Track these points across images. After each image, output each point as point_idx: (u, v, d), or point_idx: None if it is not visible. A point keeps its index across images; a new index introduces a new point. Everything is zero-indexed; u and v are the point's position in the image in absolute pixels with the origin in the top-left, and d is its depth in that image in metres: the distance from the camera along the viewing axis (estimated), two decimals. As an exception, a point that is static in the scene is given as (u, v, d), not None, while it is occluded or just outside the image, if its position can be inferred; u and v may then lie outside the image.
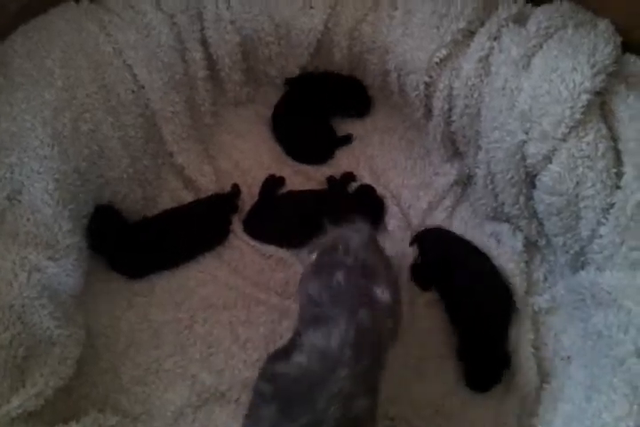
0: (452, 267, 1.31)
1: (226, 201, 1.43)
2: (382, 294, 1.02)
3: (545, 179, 1.17)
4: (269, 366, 0.93)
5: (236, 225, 1.44)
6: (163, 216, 1.39)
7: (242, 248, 1.42)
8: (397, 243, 1.42)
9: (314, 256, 1.11)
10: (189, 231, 1.36)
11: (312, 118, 1.55)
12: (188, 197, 1.46)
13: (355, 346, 0.89)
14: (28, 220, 1.16)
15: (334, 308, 0.95)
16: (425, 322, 1.31)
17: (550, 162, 1.15)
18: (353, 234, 1.07)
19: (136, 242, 1.32)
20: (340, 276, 0.98)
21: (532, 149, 1.17)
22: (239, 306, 1.34)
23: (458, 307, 1.28)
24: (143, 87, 1.37)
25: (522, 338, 1.26)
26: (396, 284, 1.09)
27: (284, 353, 0.96)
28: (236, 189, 1.46)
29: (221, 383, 1.25)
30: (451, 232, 1.39)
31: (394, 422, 1.18)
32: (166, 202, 1.45)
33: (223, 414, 1.22)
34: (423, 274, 1.36)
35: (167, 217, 1.38)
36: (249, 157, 1.55)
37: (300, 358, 0.90)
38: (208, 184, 1.47)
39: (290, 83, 1.57)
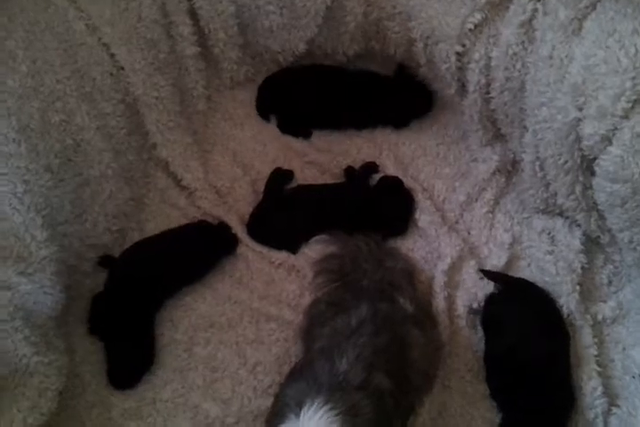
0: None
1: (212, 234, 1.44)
2: (405, 303, 1.22)
3: (605, 164, 1.17)
4: None
5: (239, 229, 1.46)
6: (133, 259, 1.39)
7: (246, 256, 1.44)
8: (431, 241, 1.43)
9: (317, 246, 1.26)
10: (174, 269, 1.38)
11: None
12: (179, 199, 1.48)
13: (373, 323, 1.13)
14: (-6, 229, 1.16)
15: (356, 300, 1.18)
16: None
17: (610, 143, 1.15)
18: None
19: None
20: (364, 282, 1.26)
21: (587, 128, 1.17)
22: (246, 323, 1.36)
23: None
24: (122, 69, 1.38)
25: (583, 354, 1.26)
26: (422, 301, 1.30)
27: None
28: (223, 226, 1.45)
29: (228, 415, 1.27)
30: (535, 296, 1.35)
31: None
32: (156, 204, 1.48)
33: (233, 450, 1.25)
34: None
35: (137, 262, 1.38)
36: (250, 149, 1.56)
37: (319, 343, 1.14)
38: (194, 182, 1.48)
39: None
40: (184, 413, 1.27)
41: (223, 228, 1.44)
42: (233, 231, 1.44)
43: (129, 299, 1.32)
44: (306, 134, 1.60)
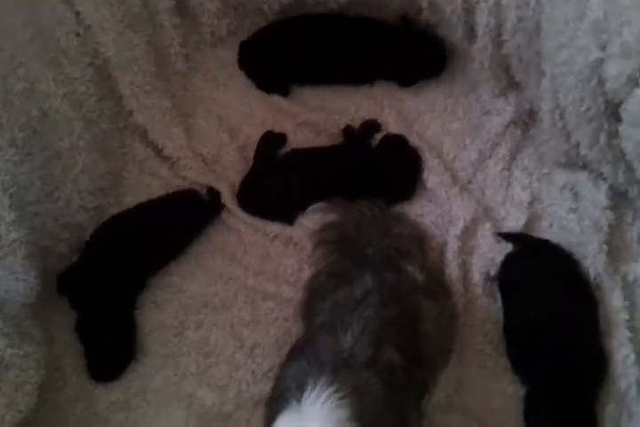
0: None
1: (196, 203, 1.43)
2: (414, 272, 1.20)
3: (632, 108, 1.14)
4: None
5: (229, 200, 1.44)
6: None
7: (238, 229, 1.42)
8: (441, 203, 1.42)
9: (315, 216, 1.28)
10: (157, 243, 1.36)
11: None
12: (161, 169, 1.46)
13: (379, 293, 1.12)
14: (-43, 212, 1.16)
15: (360, 270, 1.18)
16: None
17: (637, 85, 1.12)
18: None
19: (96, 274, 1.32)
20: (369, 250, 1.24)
21: (611, 69, 1.14)
22: (241, 303, 1.35)
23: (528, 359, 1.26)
24: (90, 28, 1.36)
25: (613, 319, 1.25)
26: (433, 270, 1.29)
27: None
28: (213, 193, 1.44)
29: (226, 402, 1.25)
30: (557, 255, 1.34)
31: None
32: (135, 176, 1.46)
33: (231, 441, 1.24)
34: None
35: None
36: (235, 111, 1.55)
37: (320, 318, 1.13)
38: (177, 150, 1.47)
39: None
40: (177, 402, 1.26)
41: (208, 193, 1.44)
42: (218, 197, 1.44)
43: (104, 279, 1.30)
44: (284, 91, 1.56)
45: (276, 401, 1.01)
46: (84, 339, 1.27)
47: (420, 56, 1.54)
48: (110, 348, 1.26)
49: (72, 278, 1.32)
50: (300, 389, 0.95)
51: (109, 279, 1.30)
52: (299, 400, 0.94)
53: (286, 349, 1.25)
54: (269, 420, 0.99)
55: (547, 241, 1.35)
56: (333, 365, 0.99)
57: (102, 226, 1.37)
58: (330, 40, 1.55)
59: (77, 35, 1.34)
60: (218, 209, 1.42)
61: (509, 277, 1.32)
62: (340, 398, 0.93)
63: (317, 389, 0.94)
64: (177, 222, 1.39)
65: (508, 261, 1.33)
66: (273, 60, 1.57)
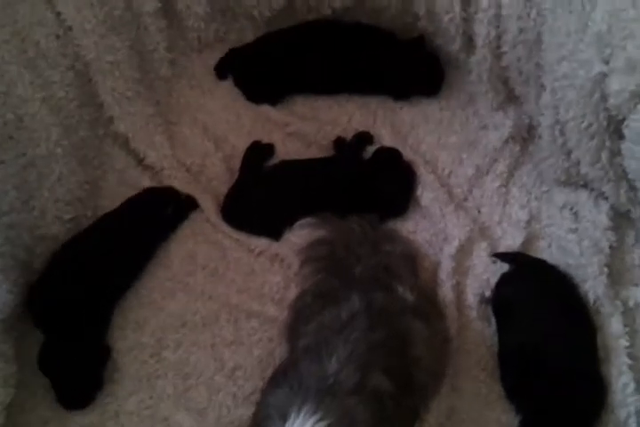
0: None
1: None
2: (404, 292, 1.18)
3: (635, 125, 1.15)
4: None
5: (213, 213, 1.43)
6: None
7: (222, 244, 1.41)
8: (436, 221, 1.42)
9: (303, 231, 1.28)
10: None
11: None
12: (142, 180, 1.46)
13: (367, 315, 1.10)
14: None
15: (347, 290, 1.16)
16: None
17: None
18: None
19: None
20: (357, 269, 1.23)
21: (614, 84, 1.14)
22: (223, 322, 1.33)
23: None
24: (71, 30, 1.35)
25: (613, 345, 1.24)
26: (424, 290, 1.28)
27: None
28: (189, 200, 1.44)
29: None
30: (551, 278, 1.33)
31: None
32: (114, 187, 1.45)
33: (209, 470, 1.23)
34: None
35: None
36: (222, 119, 1.54)
37: (304, 341, 1.11)
38: (160, 160, 1.46)
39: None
40: (153, 426, 1.24)
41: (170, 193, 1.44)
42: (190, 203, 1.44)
43: (69, 298, 1.28)
44: (273, 101, 1.56)
45: None
46: (46, 366, 1.24)
47: (417, 73, 1.55)
48: (76, 376, 1.23)
49: (36, 296, 1.29)
50: (283, 418, 0.94)
51: (75, 299, 1.28)
52: None
53: (270, 371, 1.23)
54: None
55: (543, 261, 1.35)
56: (317, 391, 0.98)
57: (63, 247, 1.35)
58: (324, 50, 1.55)
59: (57, 36, 1.33)
60: (185, 214, 1.43)
61: (503, 299, 1.31)
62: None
63: (301, 417, 0.93)
64: (140, 228, 1.38)
65: (503, 282, 1.32)
66: (264, 70, 1.56)
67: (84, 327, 1.27)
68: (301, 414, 0.93)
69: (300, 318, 1.21)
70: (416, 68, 1.54)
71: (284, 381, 1.04)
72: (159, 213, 1.40)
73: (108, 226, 1.38)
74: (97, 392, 1.24)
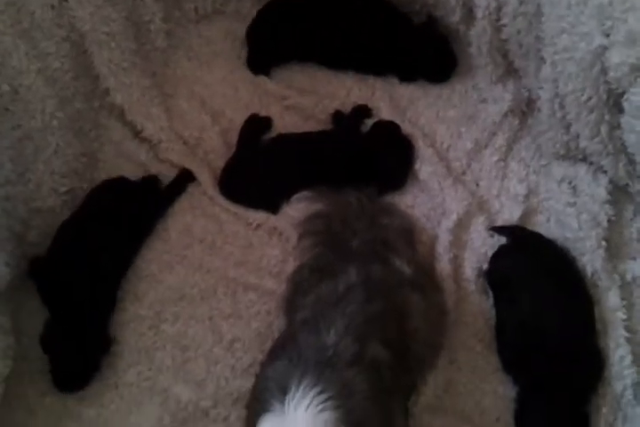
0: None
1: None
2: (401, 265, 1.19)
3: (635, 98, 1.15)
4: None
5: (210, 186, 1.43)
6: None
7: (219, 217, 1.41)
8: (434, 195, 1.42)
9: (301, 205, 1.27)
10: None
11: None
12: (139, 152, 1.45)
13: (364, 288, 1.11)
14: None
15: (344, 263, 1.16)
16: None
17: None
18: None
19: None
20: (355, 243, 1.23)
21: (615, 57, 1.14)
22: (220, 295, 1.34)
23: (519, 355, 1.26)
24: (66, 0, 1.34)
25: (610, 318, 1.25)
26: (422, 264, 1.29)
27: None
28: (184, 174, 1.44)
29: (203, 398, 1.24)
30: (550, 250, 1.34)
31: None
32: (110, 159, 1.44)
33: (209, 438, 1.23)
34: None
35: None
36: (219, 92, 1.53)
37: (302, 314, 1.12)
38: (157, 133, 1.45)
39: None
40: (151, 398, 1.25)
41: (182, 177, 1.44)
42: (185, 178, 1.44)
43: (75, 281, 1.29)
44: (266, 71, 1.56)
45: (257, 403, 1.00)
46: (48, 346, 1.25)
47: (428, 58, 1.53)
48: (74, 361, 1.24)
49: (43, 275, 1.30)
50: (283, 391, 0.94)
51: (80, 279, 1.29)
52: (281, 403, 0.93)
53: (268, 343, 1.25)
54: (250, 423, 0.98)
55: (540, 235, 1.35)
56: (317, 363, 0.98)
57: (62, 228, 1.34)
58: (339, 22, 1.53)
59: (52, 7, 1.32)
60: (182, 187, 1.43)
61: (499, 272, 1.31)
62: (325, 400, 0.93)
63: (301, 390, 0.93)
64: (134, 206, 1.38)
65: (498, 255, 1.33)
66: (278, 35, 1.55)
67: (89, 309, 1.27)
68: (301, 387, 0.93)
69: (297, 291, 1.22)
70: (428, 53, 1.53)
71: (283, 353, 1.04)
72: (152, 192, 1.41)
73: (101, 207, 1.38)
74: (91, 378, 1.24)
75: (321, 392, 0.93)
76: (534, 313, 1.23)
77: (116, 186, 1.40)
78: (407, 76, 1.55)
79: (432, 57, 1.53)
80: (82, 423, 1.22)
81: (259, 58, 1.56)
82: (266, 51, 1.57)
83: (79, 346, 1.24)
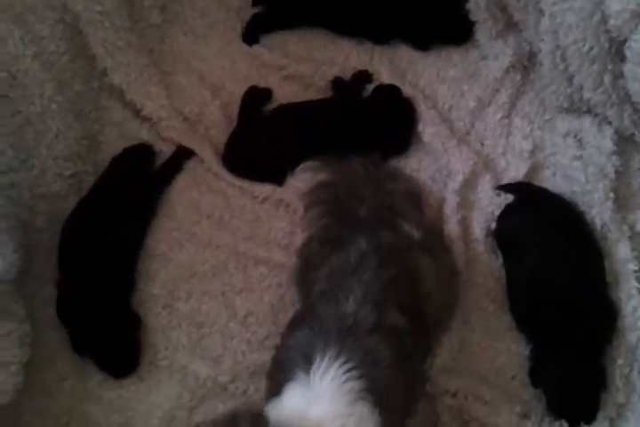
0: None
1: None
2: (410, 230, 1.19)
3: (637, 45, 1.15)
4: None
5: (214, 161, 1.43)
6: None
7: (225, 192, 1.41)
8: (439, 157, 1.41)
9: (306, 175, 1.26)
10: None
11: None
12: (140, 132, 1.45)
13: (376, 254, 1.11)
14: None
15: (353, 233, 1.16)
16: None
17: None
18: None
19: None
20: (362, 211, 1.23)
21: (614, 4, 1.13)
22: (232, 270, 1.35)
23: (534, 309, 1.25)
24: None
25: (621, 270, 1.25)
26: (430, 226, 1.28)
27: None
28: (180, 151, 1.44)
29: (221, 373, 1.26)
30: (556, 205, 1.33)
31: (457, 398, 1.21)
32: (112, 140, 1.44)
33: (228, 413, 1.25)
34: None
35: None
36: (217, 66, 1.53)
37: (318, 286, 1.12)
38: (158, 111, 1.45)
39: None
40: (170, 376, 1.26)
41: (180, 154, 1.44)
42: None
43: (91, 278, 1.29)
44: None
45: (281, 373, 1.00)
46: (84, 343, 1.26)
47: (443, 25, 1.52)
48: (116, 347, 1.25)
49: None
50: (307, 360, 0.95)
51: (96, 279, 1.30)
52: (306, 372, 0.93)
53: (282, 316, 1.26)
54: (272, 392, 0.98)
55: (546, 190, 1.35)
56: (338, 332, 0.99)
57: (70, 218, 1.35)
58: None
59: (44, -11, 1.32)
60: (179, 164, 1.43)
61: (507, 230, 1.31)
62: (350, 370, 0.93)
63: (326, 361, 0.94)
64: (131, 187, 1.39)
65: (506, 213, 1.32)
66: None
67: (114, 293, 1.29)
68: (326, 358, 0.94)
69: (309, 265, 1.22)
70: (442, 17, 1.52)
71: (304, 324, 1.05)
72: (144, 170, 1.41)
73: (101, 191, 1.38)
74: (139, 357, 1.26)
75: (345, 362, 0.94)
76: (542, 269, 1.23)
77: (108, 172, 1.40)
78: (422, 44, 1.53)
79: (445, 20, 1.52)
80: (102, 406, 1.24)
81: (255, 29, 1.56)
82: (266, 16, 1.56)
83: (115, 332, 1.25)
